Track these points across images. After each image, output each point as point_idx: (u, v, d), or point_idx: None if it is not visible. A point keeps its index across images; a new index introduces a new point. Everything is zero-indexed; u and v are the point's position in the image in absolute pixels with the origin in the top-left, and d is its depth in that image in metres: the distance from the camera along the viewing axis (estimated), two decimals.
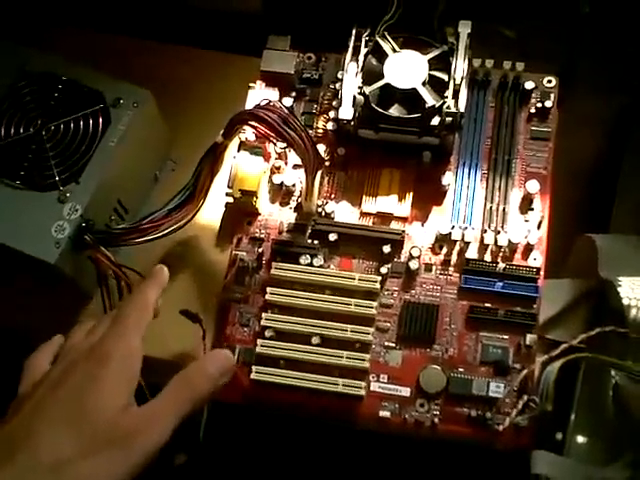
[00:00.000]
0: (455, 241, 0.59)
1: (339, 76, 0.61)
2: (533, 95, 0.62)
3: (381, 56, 0.59)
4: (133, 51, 0.68)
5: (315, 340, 0.56)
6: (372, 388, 0.56)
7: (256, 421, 0.61)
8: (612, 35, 0.70)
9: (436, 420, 0.55)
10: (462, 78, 0.58)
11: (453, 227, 0.59)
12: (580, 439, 0.56)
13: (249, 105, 0.61)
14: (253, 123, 0.56)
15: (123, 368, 0.43)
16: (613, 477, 0.52)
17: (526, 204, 0.60)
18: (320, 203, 0.61)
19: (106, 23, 0.70)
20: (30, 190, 0.56)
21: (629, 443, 0.53)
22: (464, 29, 0.59)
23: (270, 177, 0.61)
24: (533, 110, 0.62)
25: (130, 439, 0.41)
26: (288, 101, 0.63)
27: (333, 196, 0.61)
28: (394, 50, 0.59)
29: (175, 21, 0.70)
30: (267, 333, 0.57)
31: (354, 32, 0.60)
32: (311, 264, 0.59)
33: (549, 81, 0.62)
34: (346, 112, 0.58)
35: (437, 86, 0.59)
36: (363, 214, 0.60)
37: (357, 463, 0.62)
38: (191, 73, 0.68)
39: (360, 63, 0.59)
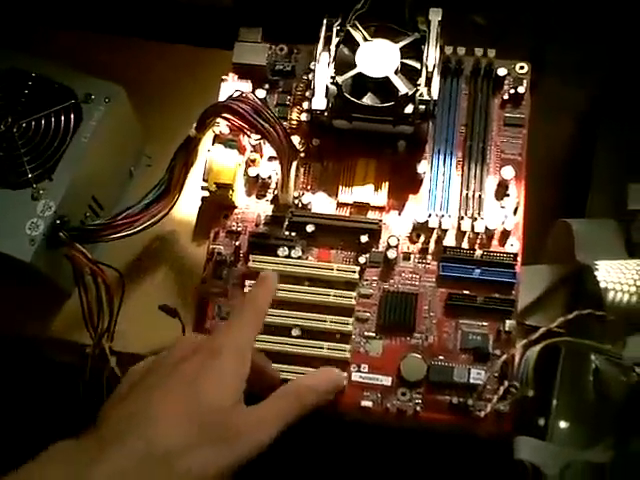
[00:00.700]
0: (432, 229, 0.59)
1: (312, 67, 0.61)
2: (506, 82, 0.62)
3: (353, 45, 0.59)
4: (103, 47, 0.68)
5: (295, 332, 0.56)
6: (353, 378, 0.56)
7: None
8: (583, 22, 0.70)
9: (418, 408, 0.55)
10: (434, 66, 0.58)
11: (430, 215, 0.59)
12: (562, 424, 0.56)
13: (222, 98, 0.61)
14: (226, 115, 0.56)
15: (235, 363, 0.43)
16: (595, 459, 0.52)
17: (502, 190, 0.60)
18: (296, 195, 0.60)
19: (75, 20, 0.69)
20: (2, 188, 0.56)
21: (610, 425, 0.53)
22: (435, 17, 0.59)
23: (246, 170, 0.61)
24: (506, 96, 0.62)
25: (238, 438, 0.41)
26: (261, 93, 0.62)
27: (309, 187, 0.61)
28: (365, 39, 0.59)
29: (145, 16, 0.70)
30: None
31: (325, 22, 0.60)
32: (289, 256, 0.58)
33: (521, 67, 0.62)
34: (319, 102, 0.58)
35: (410, 74, 0.58)
36: (340, 204, 0.60)
37: (341, 453, 0.62)
38: (163, 67, 0.68)
39: (332, 53, 0.59)
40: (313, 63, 0.60)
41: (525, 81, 0.62)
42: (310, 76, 0.61)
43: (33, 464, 0.38)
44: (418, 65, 0.58)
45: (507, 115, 0.62)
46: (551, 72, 0.69)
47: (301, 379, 0.50)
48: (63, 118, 0.57)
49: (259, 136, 0.57)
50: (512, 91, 0.62)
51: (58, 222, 0.55)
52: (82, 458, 0.38)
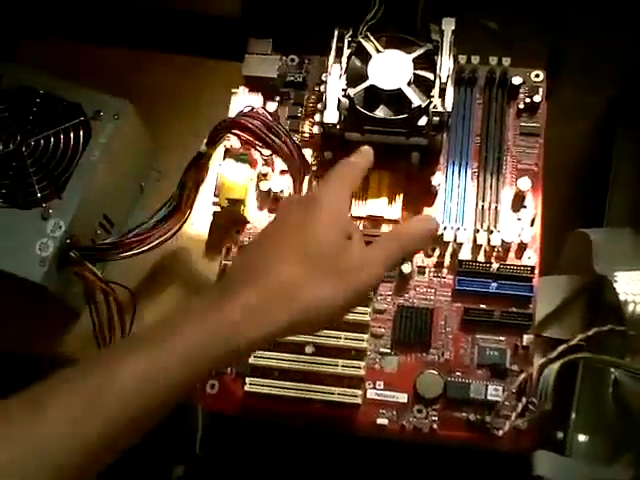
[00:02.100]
0: (447, 242, 0.58)
1: (323, 78, 0.60)
2: (521, 90, 0.61)
3: (365, 57, 0.58)
4: (110, 60, 0.67)
5: (309, 349, 0.55)
6: (369, 395, 0.55)
7: (252, 431, 0.60)
8: (597, 23, 0.69)
9: (435, 426, 0.54)
10: (448, 76, 0.57)
11: (445, 228, 0.58)
12: (581, 437, 0.55)
13: (232, 112, 0.60)
14: (236, 131, 0.55)
15: (333, 209, 0.46)
16: (616, 478, 0.51)
17: (518, 202, 0.59)
18: None
19: (80, 32, 0.69)
20: (12, 208, 0.55)
21: (631, 440, 0.52)
22: (448, 26, 0.58)
23: (257, 184, 0.60)
24: (522, 105, 0.61)
25: (350, 273, 0.44)
26: (272, 106, 0.61)
27: None
28: (377, 50, 0.58)
29: (152, 27, 0.69)
30: None
31: (336, 33, 0.59)
32: None
33: (537, 75, 0.61)
34: (331, 116, 0.57)
35: (423, 85, 0.57)
36: (353, 218, 0.59)
37: (356, 469, 0.61)
38: (171, 80, 0.67)
39: (343, 65, 0.58)
40: (325, 74, 0.59)
41: (541, 89, 0.61)
42: (322, 88, 0.60)
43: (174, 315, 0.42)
44: (431, 76, 0.57)
45: (523, 124, 0.61)
46: (567, 76, 0.67)
47: (401, 226, 0.53)
48: (72, 136, 0.57)
49: (269, 151, 0.56)
50: (528, 100, 0.61)
51: (68, 241, 0.55)
52: (208, 304, 0.42)
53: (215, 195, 0.58)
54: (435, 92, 0.57)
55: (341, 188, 0.47)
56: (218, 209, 0.59)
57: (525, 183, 0.58)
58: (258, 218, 0.60)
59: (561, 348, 0.51)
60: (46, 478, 0.36)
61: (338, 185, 0.48)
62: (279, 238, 0.45)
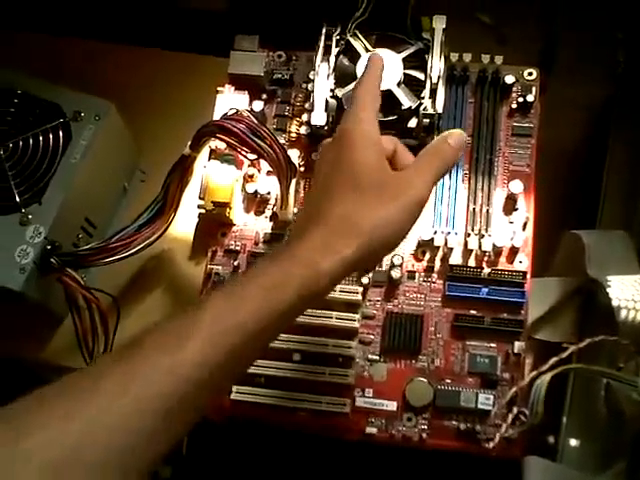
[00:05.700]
0: (438, 247, 0.57)
1: (311, 76, 0.58)
2: (514, 89, 0.60)
3: (353, 56, 0.56)
4: (89, 56, 0.65)
5: (296, 357, 0.54)
6: (357, 404, 0.54)
7: (238, 432, 0.59)
8: (592, 17, 0.67)
9: (424, 435, 0.53)
10: (439, 77, 0.55)
11: (435, 232, 0.57)
12: (573, 442, 0.54)
13: (217, 112, 0.58)
14: (220, 135, 0.53)
15: (363, 134, 0.47)
16: None
17: (510, 204, 0.57)
18: (296, 211, 0.58)
19: (60, 26, 0.66)
20: None
21: (622, 448, 0.52)
22: (439, 24, 0.56)
23: (243, 185, 0.59)
24: (514, 105, 0.59)
25: (401, 194, 0.45)
26: (258, 105, 0.60)
27: None
28: (367, 49, 0.56)
29: (135, 21, 0.67)
30: None
31: (324, 31, 0.57)
32: None
33: (530, 73, 0.60)
34: (319, 118, 0.56)
35: (413, 85, 0.56)
36: None
37: (343, 472, 0.61)
38: (156, 76, 0.65)
39: (331, 64, 0.56)
40: (312, 73, 0.57)
41: (534, 88, 0.59)
42: (310, 86, 0.58)
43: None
44: (422, 76, 0.56)
45: (515, 124, 0.59)
46: (561, 72, 0.66)
47: (437, 140, 0.50)
48: (52, 138, 0.55)
49: (255, 155, 0.54)
50: (520, 99, 0.59)
51: (49, 248, 0.53)
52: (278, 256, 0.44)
53: (200, 198, 0.57)
54: (426, 93, 0.55)
55: (364, 110, 0.47)
56: (203, 212, 0.57)
57: (517, 186, 0.57)
58: (244, 220, 0.59)
59: (552, 361, 0.50)
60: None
61: (360, 108, 0.48)
62: (326, 179, 0.47)
